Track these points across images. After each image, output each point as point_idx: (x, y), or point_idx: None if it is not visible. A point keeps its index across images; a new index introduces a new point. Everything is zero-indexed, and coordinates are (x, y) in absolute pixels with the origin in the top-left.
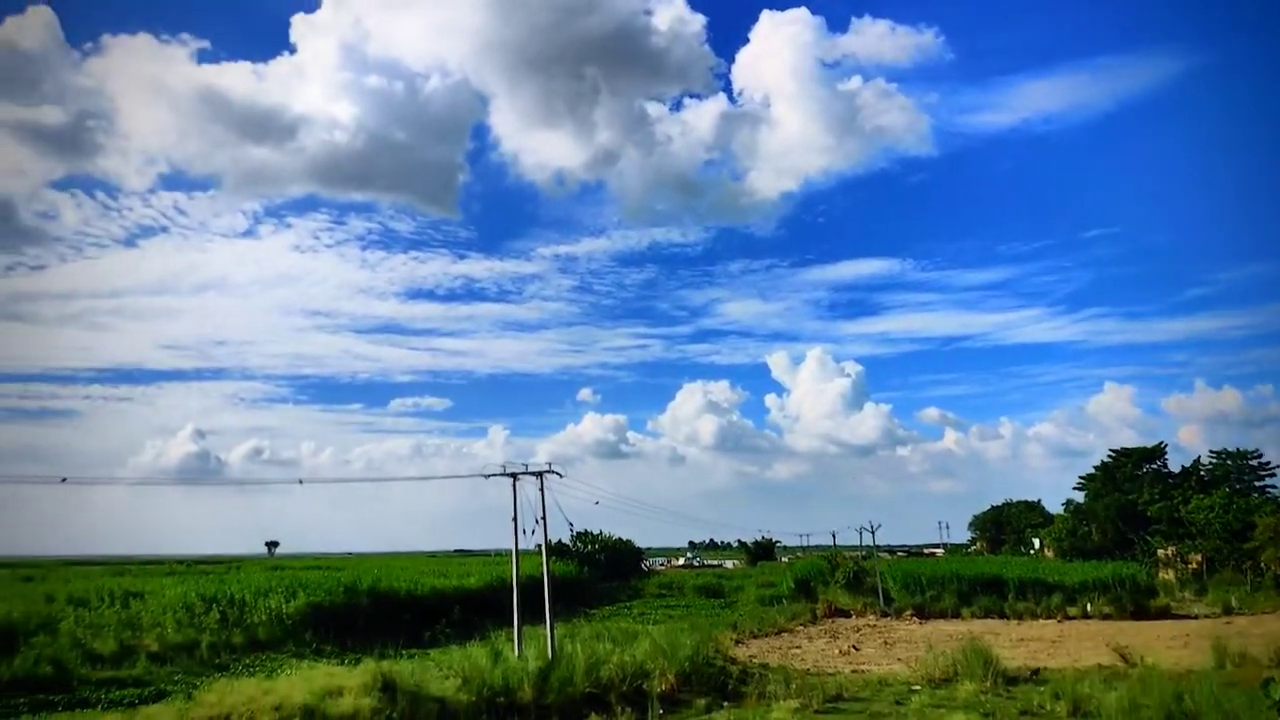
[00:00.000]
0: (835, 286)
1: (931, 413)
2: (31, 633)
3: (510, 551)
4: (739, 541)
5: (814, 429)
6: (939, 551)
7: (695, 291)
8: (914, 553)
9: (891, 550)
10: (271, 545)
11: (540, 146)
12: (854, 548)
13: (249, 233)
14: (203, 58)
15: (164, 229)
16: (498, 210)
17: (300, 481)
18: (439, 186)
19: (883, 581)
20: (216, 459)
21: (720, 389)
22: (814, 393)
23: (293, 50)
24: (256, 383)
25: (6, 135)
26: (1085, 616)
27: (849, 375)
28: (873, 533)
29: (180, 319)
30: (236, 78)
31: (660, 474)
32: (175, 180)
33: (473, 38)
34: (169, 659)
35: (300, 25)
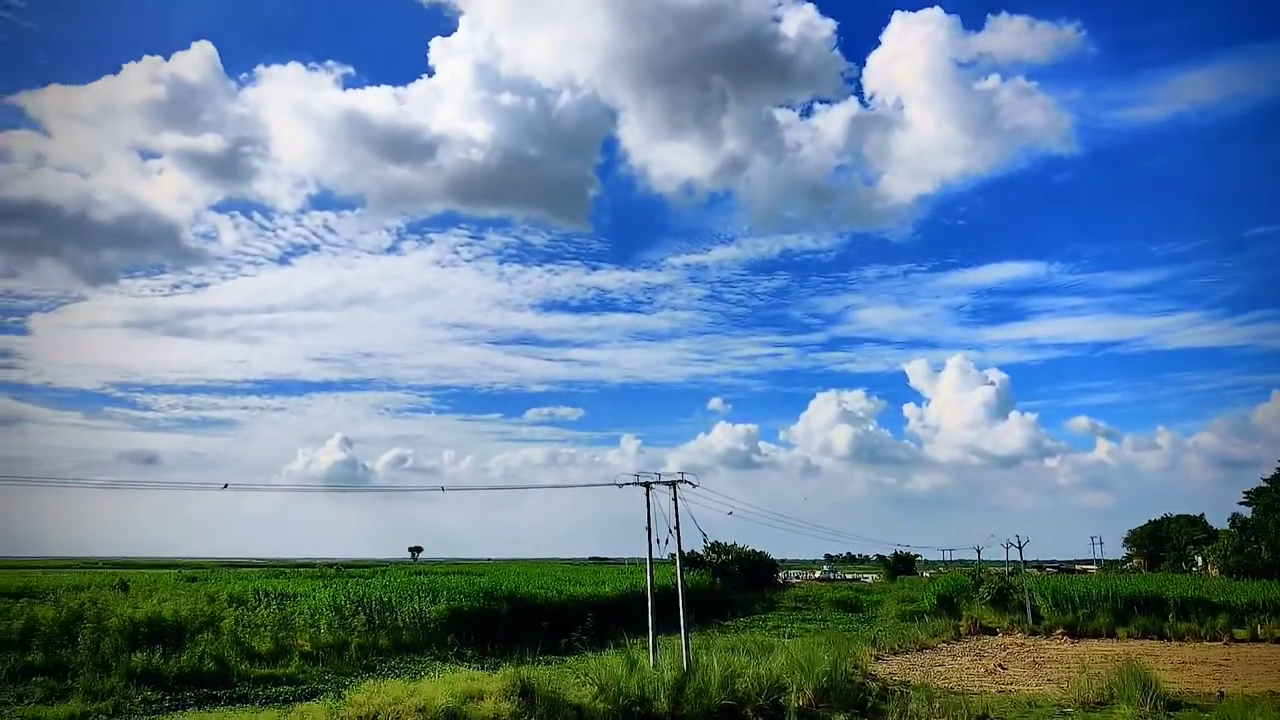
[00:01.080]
0: (977, 291)
1: (1081, 422)
2: (197, 630)
3: (644, 560)
4: (877, 555)
5: (955, 439)
6: (1091, 568)
7: (829, 298)
8: (1064, 569)
9: (1040, 566)
10: (415, 550)
11: (668, 157)
12: (999, 563)
13: (393, 249)
14: (347, 83)
15: (315, 247)
16: (628, 222)
17: (443, 489)
18: (571, 200)
19: (1031, 598)
20: (363, 466)
21: (855, 398)
22: (955, 401)
23: (431, 73)
24: (400, 393)
25: (172, 163)
26: (1255, 639)
27: (992, 383)
28: (1019, 547)
29: (330, 332)
30: (378, 101)
31: (794, 485)
32: (324, 200)
33: (601, 52)
34: (320, 659)
35: (438, 48)
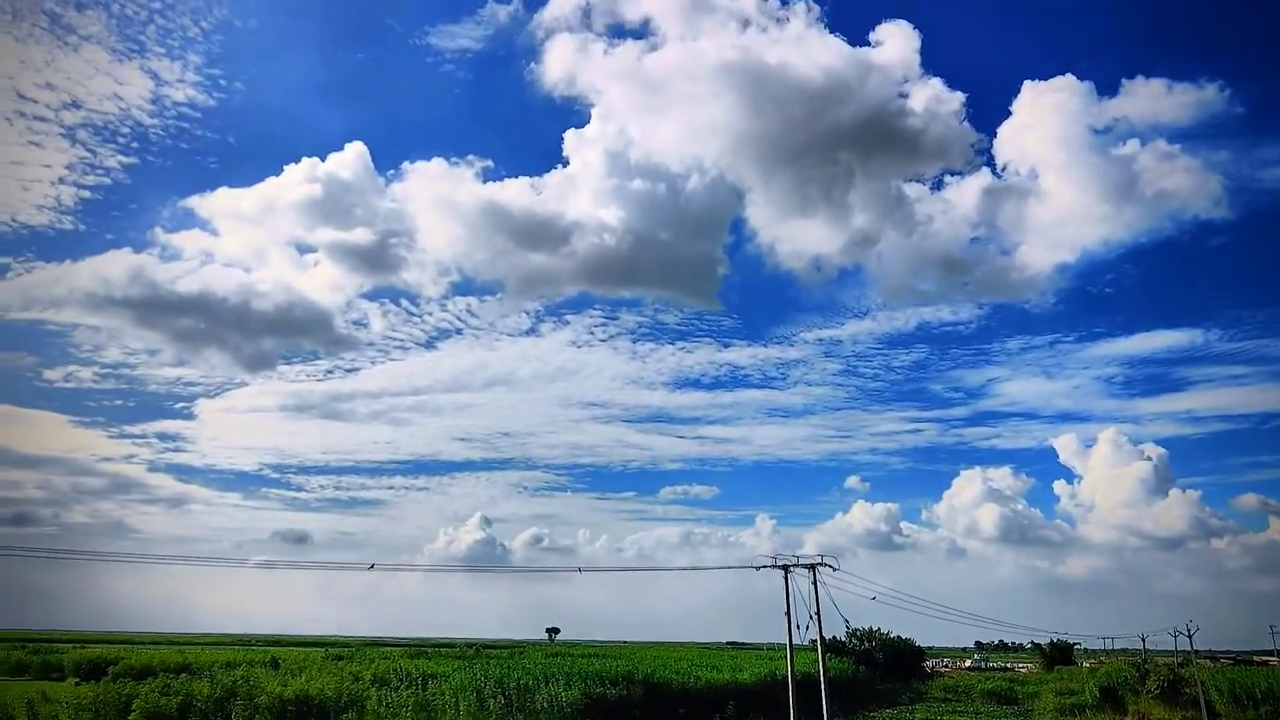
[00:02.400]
0: (1129, 361)
1: (1249, 499)
2: (342, 709)
3: (783, 646)
4: (1031, 643)
5: (1111, 518)
6: (1272, 660)
7: (970, 371)
8: (1241, 660)
9: (1214, 656)
10: (552, 632)
11: (796, 234)
12: (1167, 652)
13: (531, 331)
14: (487, 176)
15: (458, 331)
16: (758, 299)
17: (579, 570)
18: (700, 279)
19: (1205, 693)
20: (501, 546)
21: (1002, 475)
22: (1109, 478)
23: (565, 163)
24: (538, 472)
25: (326, 255)
26: None
27: (1149, 459)
28: (1189, 636)
29: (472, 413)
30: (516, 192)
31: (939, 567)
32: (466, 286)
33: (727, 136)
34: None
35: (571, 140)
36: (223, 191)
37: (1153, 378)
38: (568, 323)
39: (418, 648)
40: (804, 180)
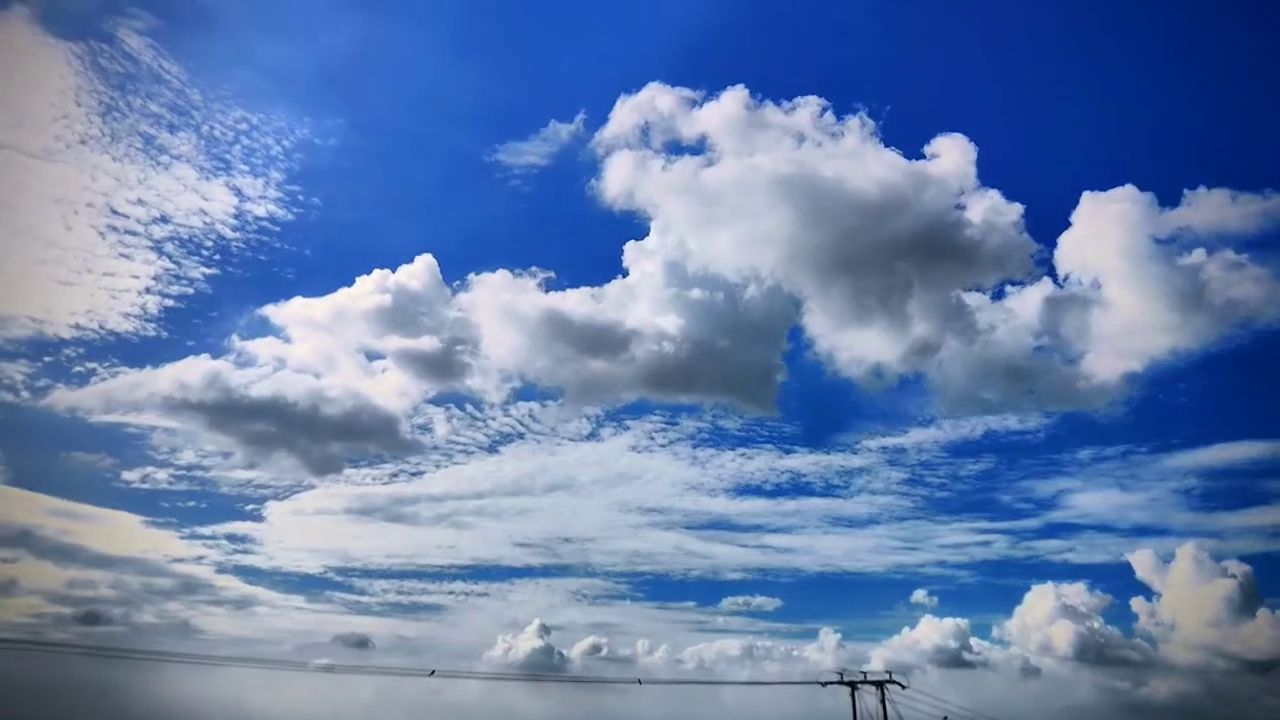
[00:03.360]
0: (1208, 474)
1: None
2: None
3: None
4: None
5: (1195, 638)
6: None
7: (1041, 481)
8: None
9: None
10: None
11: (855, 342)
12: None
13: (592, 435)
14: (549, 286)
15: (520, 435)
16: (818, 405)
17: (639, 682)
18: (759, 386)
19: None
20: (560, 654)
21: (1076, 591)
22: (1190, 595)
23: (624, 274)
24: (597, 579)
25: (393, 362)
26: None
27: (1233, 575)
28: None
29: (532, 517)
30: (577, 302)
31: (1012, 686)
32: (527, 392)
33: (784, 246)
34: None
35: (631, 251)
36: (297, 300)
37: (1234, 490)
38: (628, 428)
39: None
40: (861, 290)
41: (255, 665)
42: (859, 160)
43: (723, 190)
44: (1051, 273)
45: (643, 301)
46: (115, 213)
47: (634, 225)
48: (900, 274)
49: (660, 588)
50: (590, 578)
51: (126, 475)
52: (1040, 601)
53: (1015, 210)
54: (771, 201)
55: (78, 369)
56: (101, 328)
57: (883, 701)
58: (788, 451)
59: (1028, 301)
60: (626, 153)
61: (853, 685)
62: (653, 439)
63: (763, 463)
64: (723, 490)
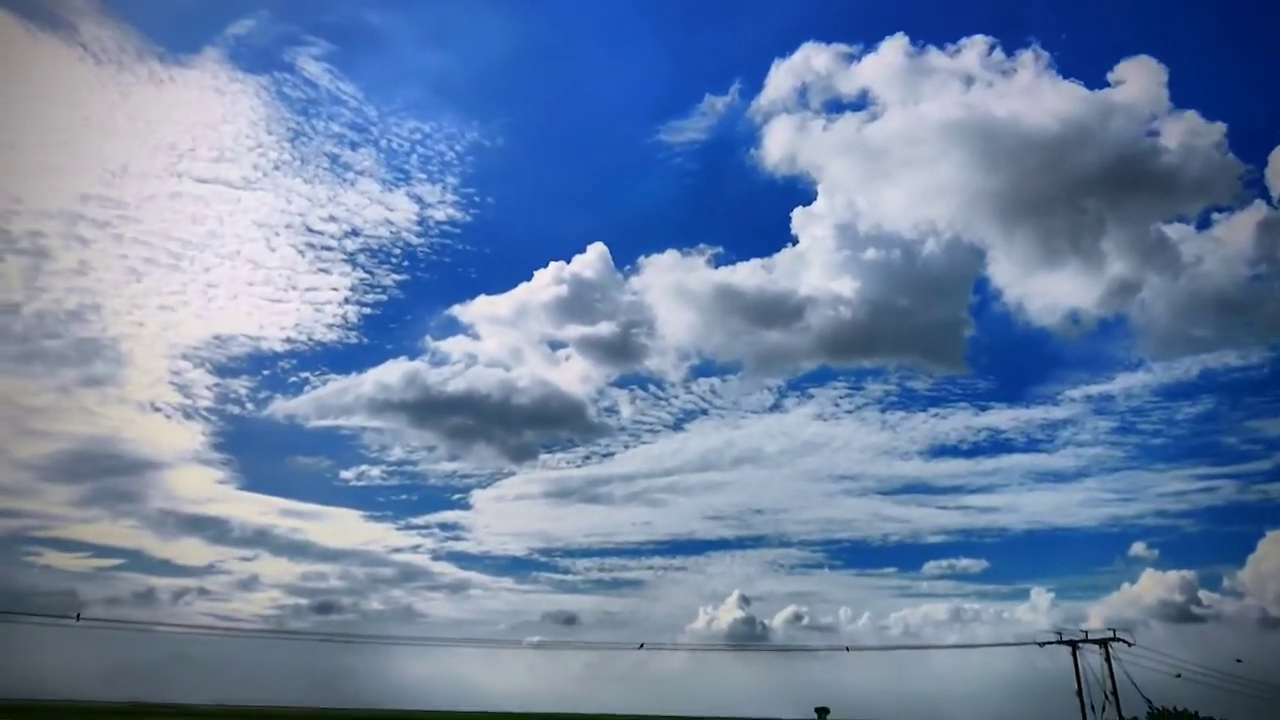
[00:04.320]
0: None
1: None
2: None
3: None
4: None
5: None
6: None
7: (1270, 420)
8: None
9: None
10: (822, 712)
11: (1046, 289)
12: None
13: (775, 407)
14: (718, 261)
15: (704, 411)
16: (1011, 358)
17: (847, 649)
18: (945, 343)
19: None
20: (761, 624)
21: None
22: None
23: (794, 241)
24: (793, 549)
25: (575, 350)
26: None
27: None
28: None
29: (722, 491)
30: (747, 274)
31: (1250, 640)
32: (705, 369)
33: (960, 195)
34: None
35: (799, 218)
36: (481, 299)
37: None
38: (811, 396)
39: None
40: (1049, 232)
41: (473, 645)
42: (1034, 96)
43: (889, 144)
44: (1264, 194)
45: (815, 268)
46: (311, 230)
47: (799, 190)
48: (1090, 211)
49: (858, 554)
50: (785, 547)
51: (344, 474)
52: (1277, 549)
53: (1217, 130)
54: (942, 150)
55: (292, 379)
56: (310, 339)
57: (1108, 660)
58: (983, 408)
59: (1238, 228)
60: (785, 117)
61: (1074, 645)
62: (838, 406)
63: (957, 422)
64: (916, 453)
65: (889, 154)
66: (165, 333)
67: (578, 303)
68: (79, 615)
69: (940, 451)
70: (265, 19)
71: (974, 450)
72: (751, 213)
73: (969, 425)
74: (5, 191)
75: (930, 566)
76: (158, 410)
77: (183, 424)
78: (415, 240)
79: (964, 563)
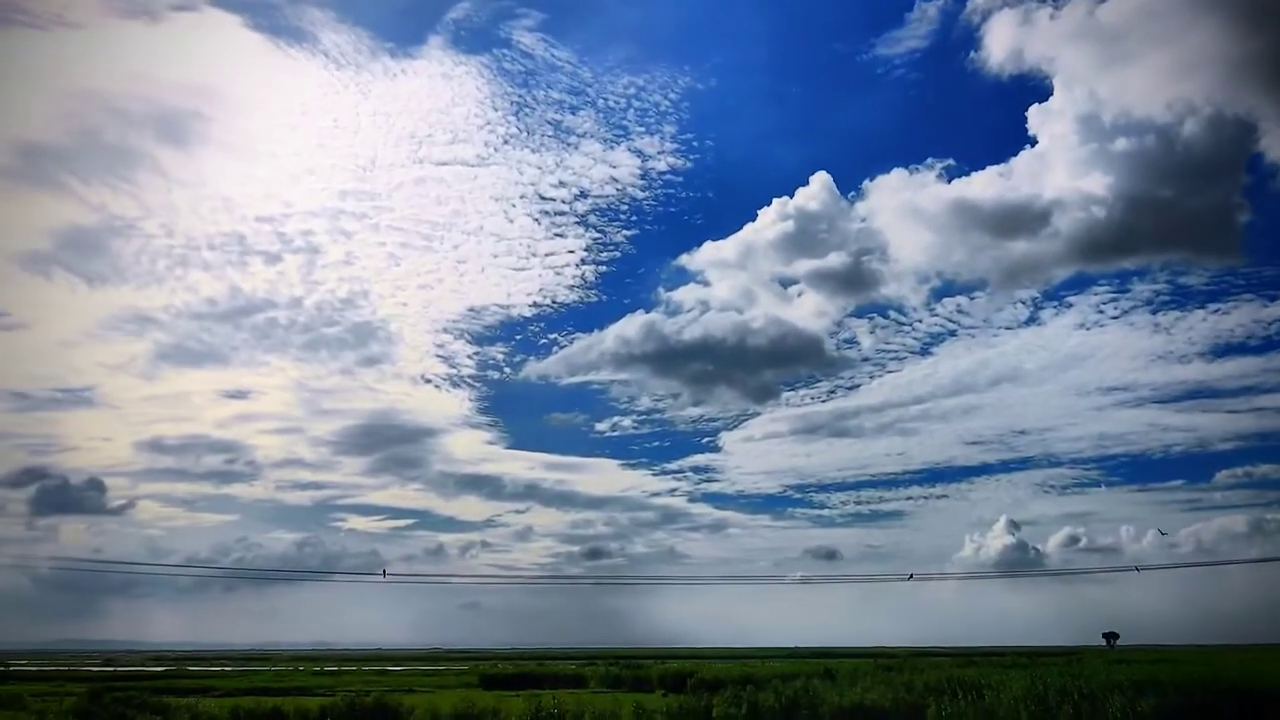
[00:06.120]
0: None
1: None
2: (903, 717)
3: None
4: None
5: None
6: None
7: None
8: None
9: None
10: (1110, 637)
11: None
12: None
13: (1031, 320)
14: (950, 175)
15: (951, 333)
16: None
17: (1136, 569)
18: (1218, 232)
19: None
20: (1034, 549)
21: None
22: None
23: (1032, 142)
24: (1062, 469)
25: (807, 285)
26: None
27: None
28: None
29: (979, 414)
30: (983, 184)
31: None
32: (948, 289)
33: (1219, 65)
34: None
35: (1035, 116)
36: (707, 245)
37: None
38: (1070, 305)
39: (965, 656)
40: None
41: (738, 582)
42: None
43: (1127, 21)
44: None
45: (1059, 167)
46: (543, 198)
47: (1031, 88)
48: None
49: (1138, 469)
50: (1054, 468)
51: (599, 426)
52: None
53: None
54: (1191, 18)
55: (541, 341)
56: (553, 302)
57: None
58: (1271, 299)
59: None
60: (1006, 12)
61: None
62: (1101, 312)
63: (1241, 316)
64: (1196, 354)
65: (1128, 33)
66: (426, 310)
67: (805, 237)
68: (384, 572)
69: (1225, 351)
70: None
71: (1265, 345)
72: (981, 119)
73: (1256, 319)
74: (276, 197)
75: (1223, 476)
76: (428, 382)
77: (451, 392)
78: (640, 194)
79: (1263, 469)
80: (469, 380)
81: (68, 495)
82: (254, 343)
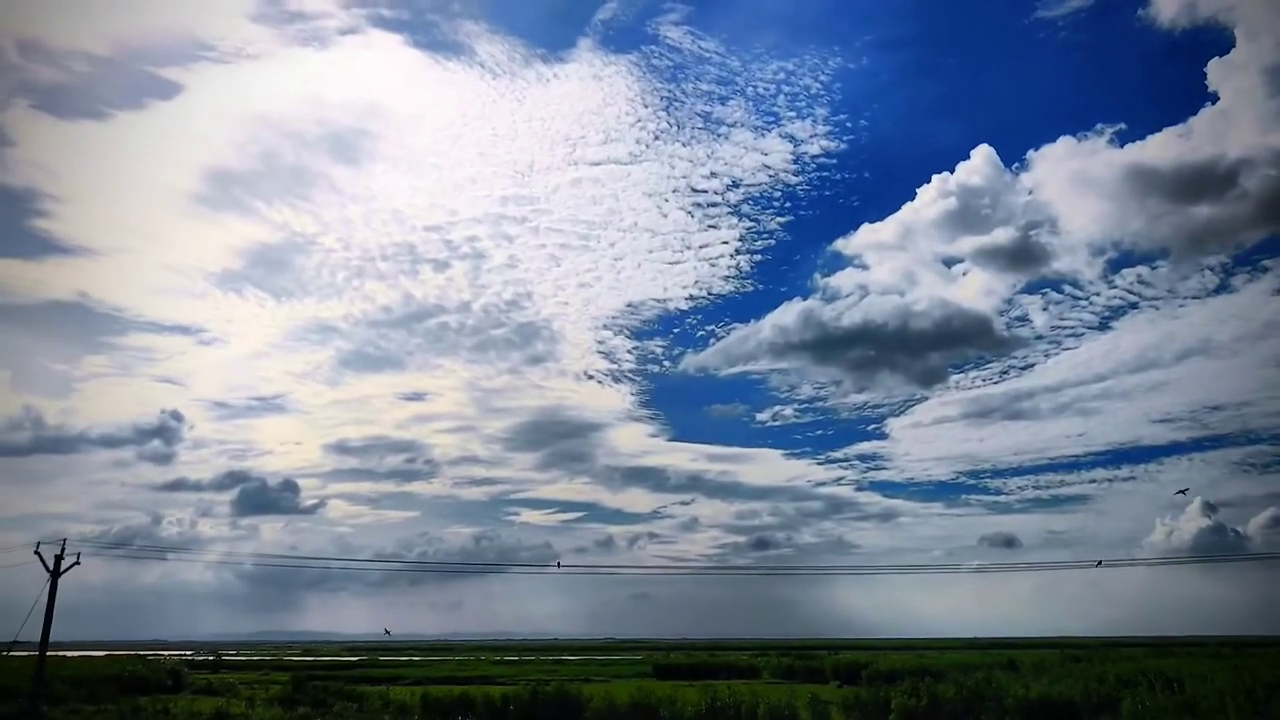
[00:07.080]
0: None
1: None
2: (1094, 712)
3: None
4: None
5: None
6: None
7: None
8: None
9: None
10: None
11: None
12: None
13: (1221, 288)
14: (1121, 139)
15: (1133, 305)
16: None
17: None
18: None
19: None
20: (1234, 532)
21: None
22: None
23: (1213, 99)
24: (1264, 445)
25: (972, 263)
26: None
27: None
28: None
29: (1166, 391)
30: (1159, 147)
31: None
32: (1126, 259)
33: None
34: None
35: (1216, 71)
36: (864, 228)
37: None
38: (1265, 270)
39: (1162, 647)
40: None
41: (911, 571)
42: None
43: None
44: None
45: (1244, 124)
46: (695, 191)
47: (1209, 41)
48: None
49: None
50: (1255, 444)
51: (760, 416)
52: None
53: None
54: None
55: (699, 333)
56: (709, 294)
57: None
58: None
59: None
60: None
61: None
62: None
63: None
64: None
65: None
66: (586, 308)
67: (968, 213)
68: (559, 563)
69: None
70: None
71: None
72: (1154, 78)
73: None
74: (442, 207)
75: None
76: (590, 378)
77: (613, 387)
78: (793, 180)
79: None
80: (629, 375)
81: (266, 496)
82: (427, 346)
